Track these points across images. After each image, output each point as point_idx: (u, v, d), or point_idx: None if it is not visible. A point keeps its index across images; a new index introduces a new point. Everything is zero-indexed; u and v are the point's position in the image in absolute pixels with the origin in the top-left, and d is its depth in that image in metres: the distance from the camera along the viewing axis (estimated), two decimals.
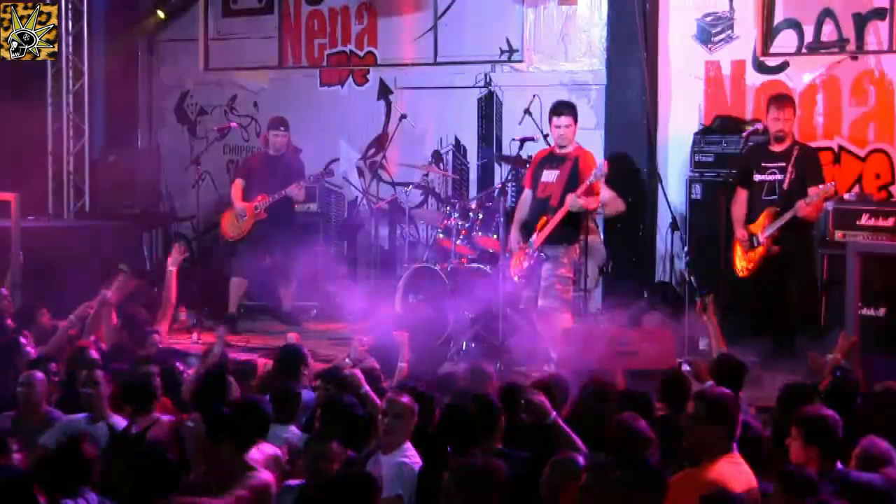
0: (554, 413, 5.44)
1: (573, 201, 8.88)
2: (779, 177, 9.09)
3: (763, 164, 9.19)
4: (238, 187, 11.38)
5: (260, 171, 11.35)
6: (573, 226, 9.07)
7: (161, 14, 13.71)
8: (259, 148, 12.28)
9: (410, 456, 5.73)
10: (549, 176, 9.29)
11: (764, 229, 9.01)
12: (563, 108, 9.34)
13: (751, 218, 9.18)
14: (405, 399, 5.82)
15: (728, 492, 4.66)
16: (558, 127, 9.25)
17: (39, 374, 6.84)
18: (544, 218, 9.15)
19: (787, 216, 8.88)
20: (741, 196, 9.30)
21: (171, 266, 9.29)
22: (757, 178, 9.21)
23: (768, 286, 9.19)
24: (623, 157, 10.79)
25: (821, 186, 8.82)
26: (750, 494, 4.99)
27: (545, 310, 9.06)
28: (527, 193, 9.56)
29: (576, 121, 9.27)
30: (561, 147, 9.31)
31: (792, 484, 4.82)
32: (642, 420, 5.37)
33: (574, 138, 9.28)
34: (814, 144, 9.76)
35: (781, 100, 9.29)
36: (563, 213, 8.99)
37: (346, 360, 7.65)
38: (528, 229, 9.37)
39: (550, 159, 9.36)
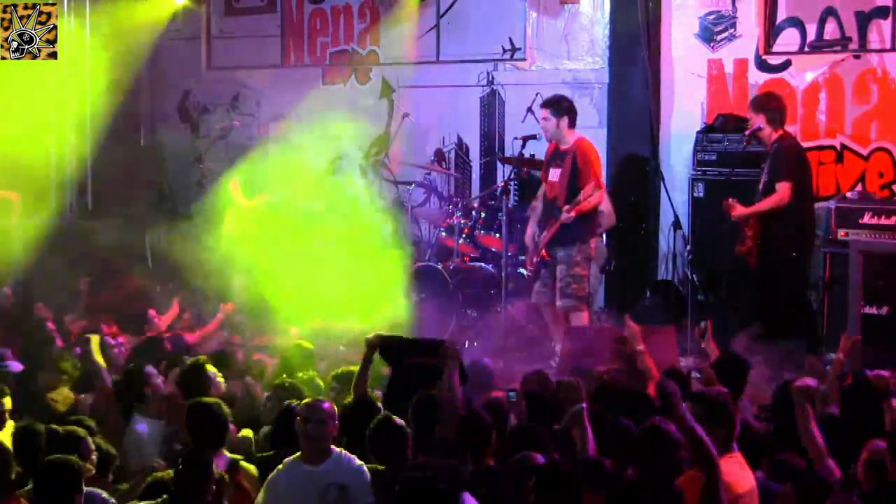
0: (585, 403, 5.43)
1: (566, 217, 9.00)
2: (763, 177, 9.13)
3: (761, 166, 9.23)
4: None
5: None
6: (585, 223, 9.14)
7: None
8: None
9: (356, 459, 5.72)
10: (553, 175, 9.32)
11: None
12: (545, 103, 9.48)
13: None
14: (326, 405, 5.81)
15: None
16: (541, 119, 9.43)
17: None
18: (553, 220, 9.18)
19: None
20: None
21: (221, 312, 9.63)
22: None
23: (761, 285, 9.18)
24: (625, 155, 10.80)
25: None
26: (751, 494, 4.98)
27: (563, 309, 9.16)
28: (544, 188, 9.56)
29: (559, 116, 9.22)
30: (555, 142, 9.34)
31: (805, 485, 4.81)
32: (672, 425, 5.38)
33: (556, 133, 9.27)
34: (816, 143, 9.76)
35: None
36: (556, 227, 9.09)
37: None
38: (542, 228, 9.39)
39: (555, 156, 9.38)
